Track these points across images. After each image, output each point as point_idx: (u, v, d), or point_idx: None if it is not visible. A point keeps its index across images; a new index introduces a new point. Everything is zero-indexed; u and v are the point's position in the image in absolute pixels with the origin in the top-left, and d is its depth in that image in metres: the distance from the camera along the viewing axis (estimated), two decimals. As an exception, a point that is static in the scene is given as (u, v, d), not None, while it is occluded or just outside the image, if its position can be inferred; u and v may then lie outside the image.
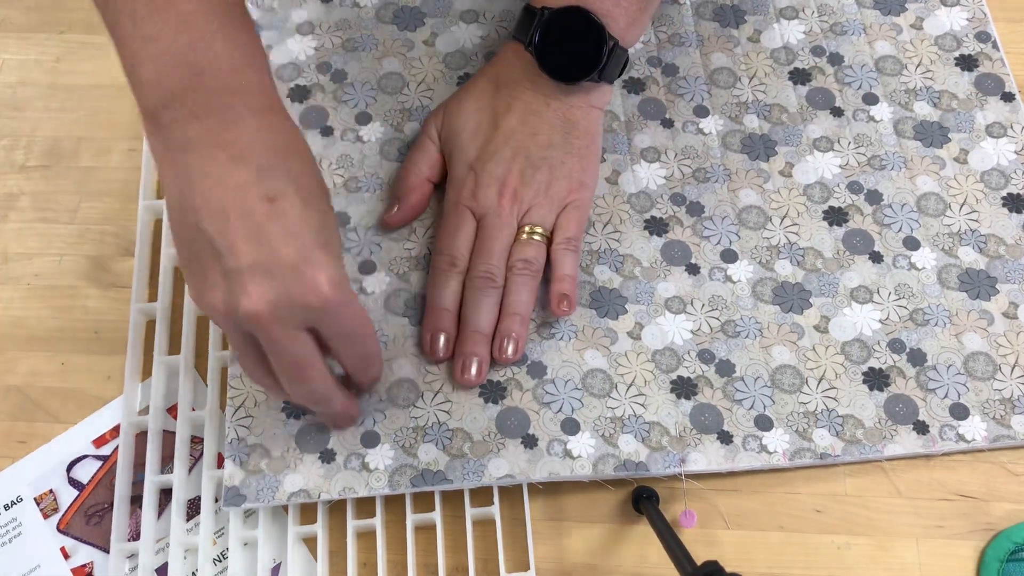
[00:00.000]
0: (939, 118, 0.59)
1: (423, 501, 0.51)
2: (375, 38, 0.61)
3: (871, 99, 0.60)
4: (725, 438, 0.50)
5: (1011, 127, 0.58)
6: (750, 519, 0.50)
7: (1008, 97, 0.59)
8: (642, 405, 0.51)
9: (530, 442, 0.50)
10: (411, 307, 0.53)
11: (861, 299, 0.54)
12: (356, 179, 0.57)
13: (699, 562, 0.42)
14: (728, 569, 0.41)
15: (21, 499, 0.52)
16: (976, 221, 0.56)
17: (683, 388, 0.51)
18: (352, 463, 0.49)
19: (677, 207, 0.56)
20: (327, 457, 0.49)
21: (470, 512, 0.49)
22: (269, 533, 0.50)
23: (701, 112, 0.59)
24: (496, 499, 0.49)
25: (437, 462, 0.49)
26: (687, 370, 0.52)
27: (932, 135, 0.58)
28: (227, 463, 0.49)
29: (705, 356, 0.52)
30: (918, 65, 0.61)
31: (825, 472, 0.51)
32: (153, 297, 0.56)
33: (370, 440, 0.50)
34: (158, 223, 0.58)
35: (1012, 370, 0.52)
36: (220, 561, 0.50)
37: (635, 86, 0.60)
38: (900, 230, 0.56)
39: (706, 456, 0.50)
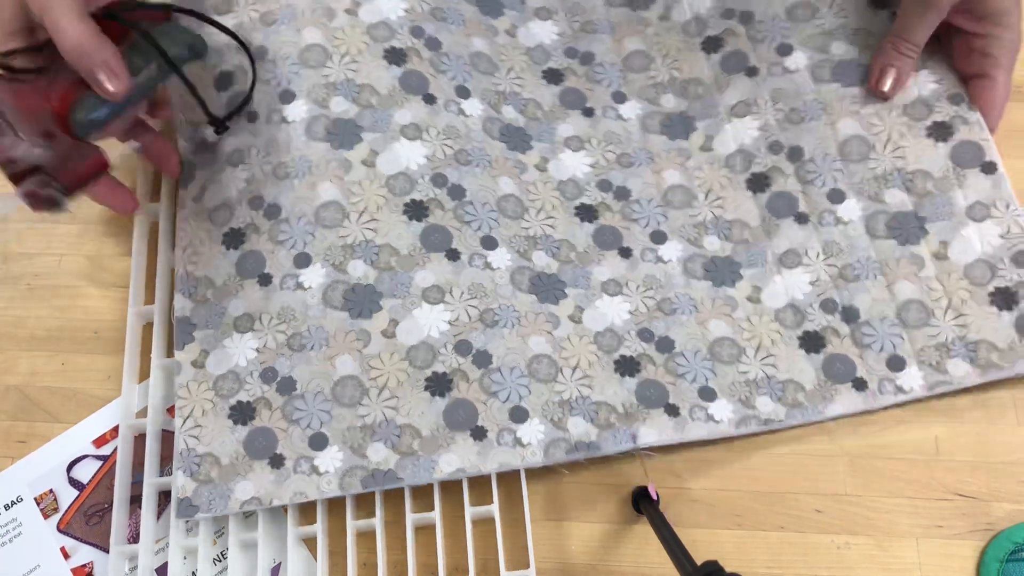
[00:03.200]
0: (857, 55, 0.57)
1: (423, 500, 0.51)
2: None
3: (785, 50, 0.58)
4: (672, 411, 0.50)
5: (931, 57, 0.56)
6: (750, 519, 0.50)
7: None
8: (588, 386, 0.51)
9: (479, 434, 0.49)
10: (350, 299, 0.52)
11: (790, 264, 0.54)
12: (284, 164, 0.54)
13: (699, 562, 0.42)
14: (728, 569, 0.41)
15: (21, 499, 0.52)
16: (902, 158, 0.54)
17: (626, 367, 0.51)
18: (301, 467, 0.49)
19: (605, 193, 0.56)
20: (276, 463, 0.49)
21: (469, 511, 0.49)
22: (269, 534, 0.50)
23: (619, 98, 0.59)
24: (496, 498, 0.49)
25: (387, 461, 0.49)
26: (629, 349, 0.52)
27: (850, 74, 0.57)
28: (178, 474, 0.49)
29: (645, 335, 0.52)
30: (831, 5, 0.58)
31: (825, 472, 0.51)
32: (151, 300, 0.56)
33: (318, 443, 0.49)
34: (155, 225, 0.58)
35: (945, 313, 0.51)
36: (220, 561, 0.50)
37: (554, 77, 0.60)
38: (824, 184, 0.55)
39: (656, 429, 0.50)
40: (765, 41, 0.58)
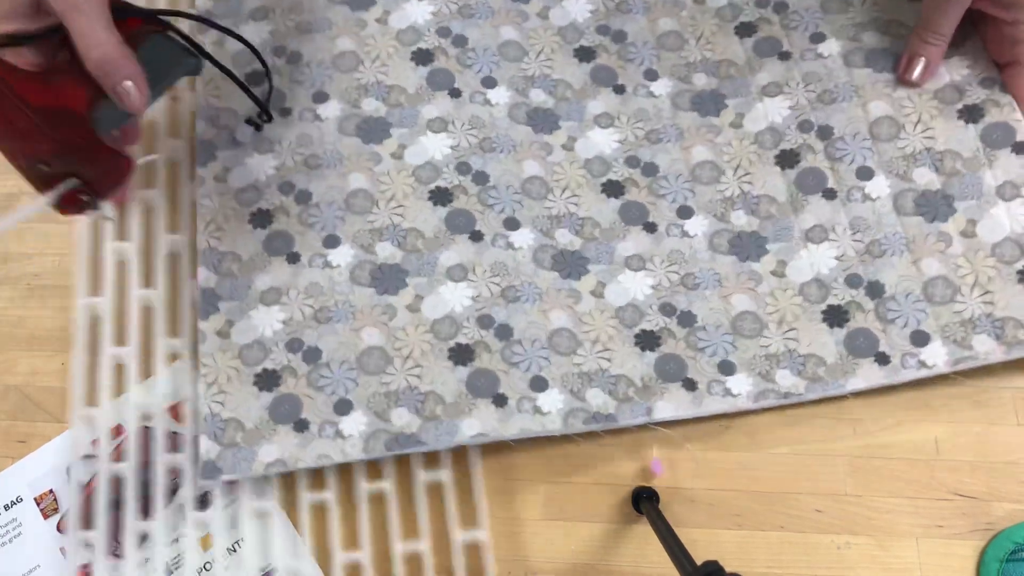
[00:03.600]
0: (889, 45, 0.58)
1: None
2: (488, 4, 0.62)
3: (818, 38, 0.59)
4: (690, 385, 0.51)
5: (963, 44, 0.57)
6: (750, 519, 0.50)
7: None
8: (608, 359, 0.52)
9: (500, 401, 0.51)
10: (376, 277, 0.54)
11: (817, 239, 0.54)
12: (316, 156, 0.57)
13: (699, 562, 0.42)
14: (728, 569, 0.41)
15: (21, 499, 0.52)
16: (931, 138, 0.55)
17: (647, 340, 0.52)
18: (326, 431, 0.50)
19: (632, 169, 0.57)
20: (301, 427, 0.50)
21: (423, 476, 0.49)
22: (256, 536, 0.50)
23: (651, 76, 0.60)
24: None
25: (410, 425, 0.50)
26: (650, 323, 0.53)
27: (882, 61, 0.57)
28: (203, 439, 0.50)
29: (667, 309, 0.53)
30: (864, 1, 0.60)
31: (825, 472, 0.51)
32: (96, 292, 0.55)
33: (343, 408, 0.51)
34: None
35: (972, 290, 0.52)
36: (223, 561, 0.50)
37: (586, 54, 0.60)
38: (853, 161, 0.55)
39: (672, 404, 0.50)
40: (798, 29, 0.59)
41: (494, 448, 0.52)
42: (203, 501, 0.51)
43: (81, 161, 0.46)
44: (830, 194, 0.55)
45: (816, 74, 0.58)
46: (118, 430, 0.53)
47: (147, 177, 0.58)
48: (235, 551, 0.50)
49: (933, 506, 0.50)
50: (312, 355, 0.52)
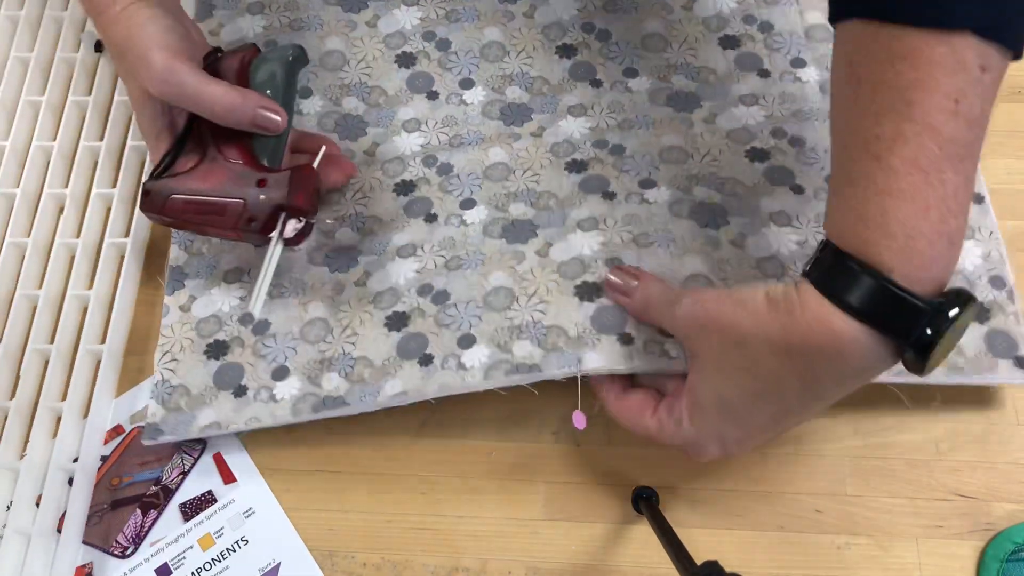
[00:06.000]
0: None
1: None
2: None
3: (799, 63, 0.61)
4: (625, 339, 0.50)
5: None
6: (750, 519, 0.50)
7: None
8: (543, 312, 0.51)
9: (426, 361, 0.51)
10: (331, 257, 0.55)
11: (781, 223, 0.54)
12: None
13: (699, 562, 0.42)
14: (728, 569, 0.41)
15: (21, 499, 0.52)
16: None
17: (587, 292, 0.52)
18: (261, 395, 0.52)
19: (600, 150, 0.58)
20: (239, 392, 0.52)
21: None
22: (268, 533, 0.50)
23: (631, 73, 0.61)
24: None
25: (338, 389, 0.51)
26: (593, 275, 0.52)
27: None
28: (151, 403, 0.52)
29: (614, 263, 0.52)
30: None
31: (825, 472, 0.51)
32: None
33: (280, 374, 0.52)
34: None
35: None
36: (219, 561, 0.50)
37: (567, 51, 0.62)
38: (823, 169, 0.56)
39: (604, 356, 0.49)
40: (781, 51, 0.61)
41: (495, 447, 0.52)
42: (203, 501, 0.51)
43: (280, 194, 0.49)
44: (798, 189, 0.56)
45: (792, 95, 0.60)
46: (117, 430, 0.53)
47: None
48: (235, 550, 0.50)
49: (933, 506, 0.50)
50: (261, 327, 0.54)
